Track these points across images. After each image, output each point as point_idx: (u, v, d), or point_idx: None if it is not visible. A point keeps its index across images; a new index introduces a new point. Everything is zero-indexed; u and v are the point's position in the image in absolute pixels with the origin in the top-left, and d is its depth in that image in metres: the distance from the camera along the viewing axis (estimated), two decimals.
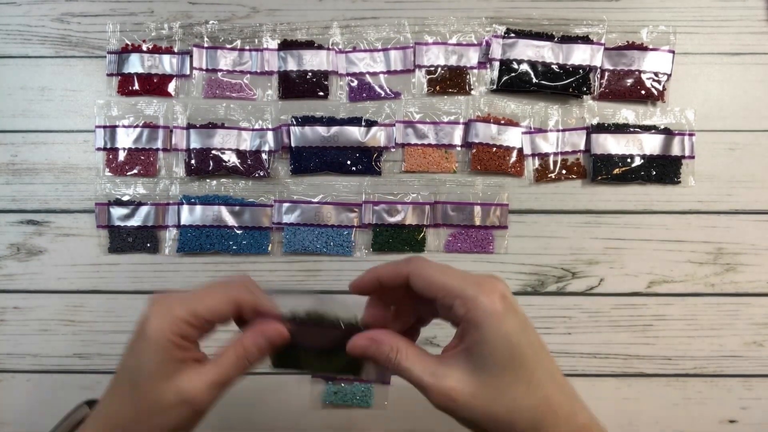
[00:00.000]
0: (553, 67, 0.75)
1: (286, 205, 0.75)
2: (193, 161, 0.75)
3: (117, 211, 0.75)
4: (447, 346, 0.39)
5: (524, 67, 0.75)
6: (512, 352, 0.35)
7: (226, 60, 0.77)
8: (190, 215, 0.74)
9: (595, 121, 0.76)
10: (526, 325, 0.36)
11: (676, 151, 0.75)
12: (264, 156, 0.75)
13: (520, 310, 0.37)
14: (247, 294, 0.41)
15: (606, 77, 0.76)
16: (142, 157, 0.76)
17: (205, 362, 0.40)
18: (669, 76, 0.76)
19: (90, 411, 0.46)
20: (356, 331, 0.42)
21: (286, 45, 0.77)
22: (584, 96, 0.76)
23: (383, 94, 0.76)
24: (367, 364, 0.43)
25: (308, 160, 0.75)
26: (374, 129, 0.75)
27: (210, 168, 0.75)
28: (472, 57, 0.76)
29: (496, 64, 0.75)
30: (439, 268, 0.38)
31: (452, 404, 0.36)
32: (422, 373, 0.38)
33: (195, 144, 0.75)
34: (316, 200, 0.75)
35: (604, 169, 0.74)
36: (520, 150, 0.75)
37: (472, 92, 0.76)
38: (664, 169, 0.75)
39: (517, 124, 0.76)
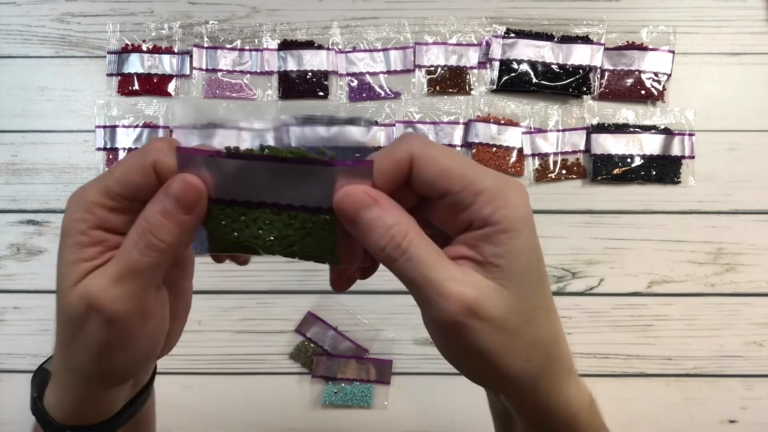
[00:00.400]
0: (553, 67, 0.75)
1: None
2: None
3: None
4: (445, 251, 0.28)
5: (524, 67, 0.75)
6: (540, 271, 0.28)
7: (226, 60, 0.77)
8: None
9: (595, 121, 0.76)
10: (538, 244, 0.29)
11: (676, 151, 0.75)
12: None
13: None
14: (166, 155, 0.28)
15: (606, 77, 0.76)
16: None
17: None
18: (669, 76, 0.76)
19: None
20: (336, 177, 0.27)
21: (286, 45, 0.77)
22: (584, 96, 0.76)
23: (383, 94, 0.76)
24: (344, 246, 0.29)
25: None
26: (374, 129, 0.75)
27: None
28: (472, 57, 0.76)
29: (496, 64, 0.75)
30: (451, 153, 0.28)
31: (471, 321, 0.26)
32: (438, 270, 0.26)
33: (195, 144, 0.75)
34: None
35: (604, 169, 0.74)
36: (520, 150, 0.75)
37: (472, 92, 0.76)
38: (664, 169, 0.75)
39: (517, 124, 0.76)
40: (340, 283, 0.33)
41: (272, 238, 0.29)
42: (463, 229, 0.28)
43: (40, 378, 0.35)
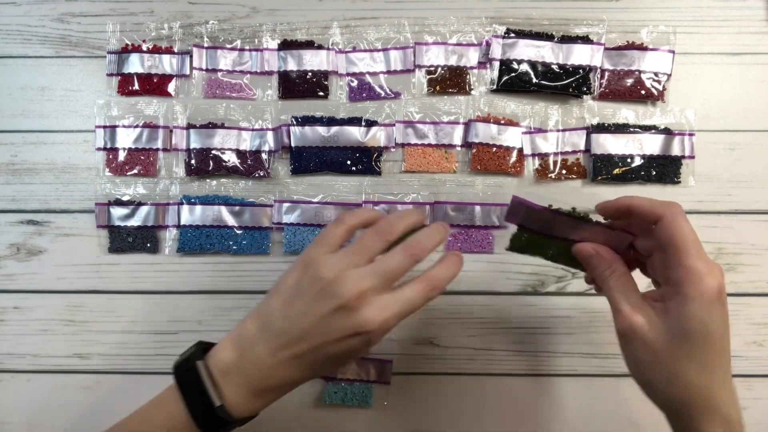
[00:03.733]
0: (553, 67, 0.75)
1: (286, 205, 0.75)
2: (193, 161, 0.75)
3: (117, 211, 0.75)
4: (648, 293, 0.44)
5: (524, 67, 0.75)
6: (702, 337, 0.39)
7: (226, 60, 0.77)
8: (190, 215, 0.74)
9: (595, 121, 0.76)
10: (725, 322, 0.39)
11: (676, 151, 0.75)
12: (264, 156, 0.75)
13: (726, 304, 0.40)
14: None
15: (606, 77, 0.76)
16: (142, 157, 0.76)
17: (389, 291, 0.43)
18: (669, 76, 0.76)
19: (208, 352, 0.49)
20: (589, 225, 0.48)
21: (286, 45, 0.77)
22: (584, 96, 0.76)
23: (383, 94, 0.76)
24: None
25: (308, 160, 0.75)
26: (374, 129, 0.75)
27: (210, 168, 0.75)
28: (472, 57, 0.76)
29: (496, 64, 0.75)
30: (690, 230, 0.41)
31: (630, 336, 0.41)
32: (623, 298, 0.43)
33: (195, 144, 0.75)
34: (316, 200, 0.75)
35: (604, 169, 0.74)
36: (520, 150, 0.75)
37: (472, 92, 0.76)
38: (664, 169, 0.75)
39: (517, 124, 0.76)
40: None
41: (552, 253, 0.51)
42: (666, 283, 0.43)
43: (199, 388, 0.46)
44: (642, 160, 0.75)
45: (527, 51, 0.75)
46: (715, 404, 0.39)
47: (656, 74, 0.75)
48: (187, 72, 0.77)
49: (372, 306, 0.41)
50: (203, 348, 0.48)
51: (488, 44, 0.76)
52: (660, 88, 0.75)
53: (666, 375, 0.40)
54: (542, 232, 0.50)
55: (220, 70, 0.77)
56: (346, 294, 0.41)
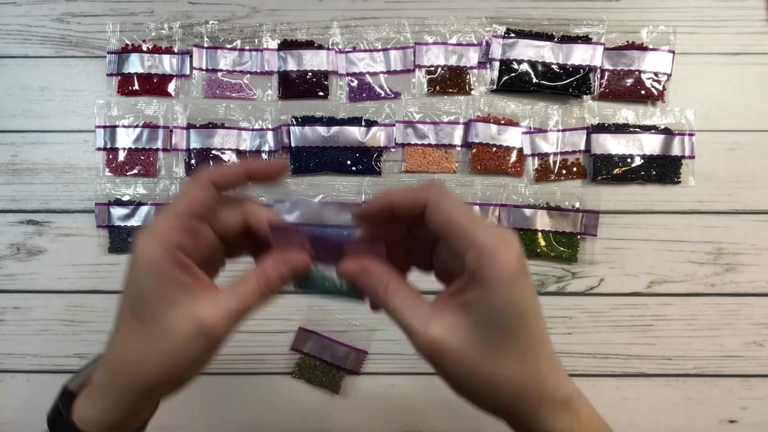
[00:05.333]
0: (553, 67, 0.75)
1: (286, 205, 0.75)
2: (193, 161, 0.75)
3: (117, 211, 0.75)
4: (442, 293, 0.35)
5: (524, 67, 0.75)
6: (517, 322, 0.32)
7: (226, 60, 0.77)
8: None
9: (595, 121, 0.76)
10: (533, 293, 0.33)
11: (676, 151, 0.75)
12: (264, 156, 0.75)
13: (528, 271, 0.33)
14: (211, 170, 0.36)
15: (606, 77, 0.76)
16: (142, 157, 0.76)
17: (219, 290, 0.36)
18: (669, 76, 0.76)
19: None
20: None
21: (286, 45, 0.77)
22: (584, 96, 0.76)
23: (383, 94, 0.76)
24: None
25: (308, 160, 0.75)
26: (374, 129, 0.75)
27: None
28: (472, 57, 0.76)
29: (496, 64, 0.75)
30: (460, 206, 0.33)
31: (437, 355, 0.33)
32: (410, 315, 0.34)
33: (195, 144, 0.75)
34: (316, 200, 0.75)
35: (604, 169, 0.74)
36: (520, 150, 0.75)
37: (472, 92, 0.76)
38: (664, 169, 0.75)
39: (517, 124, 0.76)
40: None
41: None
42: (461, 271, 0.33)
43: (66, 398, 0.38)
44: (642, 160, 0.74)
45: (527, 51, 0.75)
46: (550, 391, 0.34)
47: (656, 74, 0.75)
48: (187, 72, 0.77)
49: None
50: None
51: (488, 44, 0.76)
52: (660, 88, 0.75)
53: (490, 382, 0.33)
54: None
55: (220, 70, 0.77)
56: None
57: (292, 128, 0.75)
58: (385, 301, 0.35)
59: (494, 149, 0.75)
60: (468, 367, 0.33)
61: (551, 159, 0.75)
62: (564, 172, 0.75)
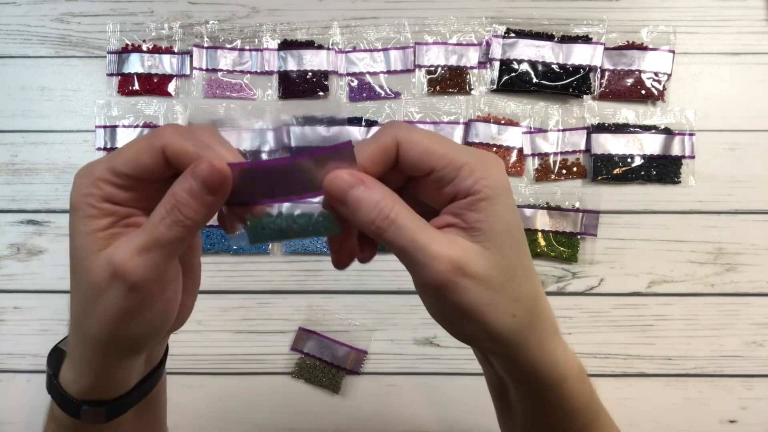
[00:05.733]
0: (554, 67, 0.75)
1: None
2: None
3: None
4: (433, 221, 0.31)
5: (524, 67, 0.75)
6: (519, 234, 0.31)
7: (226, 60, 0.77)
8: None
9: (595, 121, 0.76)
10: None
11: (676, 151, 0.75)
12: (264, 156, 0.75)
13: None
14: (176, 139, 0.30)
15: (606, 77, 0.76)
16: None
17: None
18: (669, 75, 0.76)
19: None
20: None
21: (286, 45, 0.77)
22: (584, 96, 0.76)
23: (383, 94, 0.76)
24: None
25: None
26: (374, 129, 0.75)
27: None
28: (472, 57, 0.76)
29: (496, 64, 0.75)
30: (429, 134, 0.31)
31: (461, 279, 0.29)
32: (426, 238, 0.29)
33: None
34: (316, 200, 0.75)
35: (604, 169, 0.74)
36: (521, 150, 0.75)
37: (472, 92, 0.76)
38: (664, 169, 0.75)
39: (517, 124, 0.76)
40: (342, 260, 0.34)
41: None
42: (448, 202, 0.31)
43: (56, 358, 0.37)
44: (642, 160, 0.74)
45: (527, 51, 0.75)
46: (551, 314, 0.33)
47: (656, 74, 0.75)
48: (187, 72, 0.77)
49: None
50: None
51: (488, 44, 0.76)
52: (660, 87, 0.75)
53: (513, 302, 0.31)
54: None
55: (220, 70, 0.77)
56: None
57: (292, 128, 0.75)
58: (394, 221, 0.29)
59: (494, 149, 0.75)
60: (493, 288, 0.30)
61: (551, 159, 0.75)
62: (564, 172, 0.75)
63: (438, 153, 0.30)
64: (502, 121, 0.75)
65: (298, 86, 0.76)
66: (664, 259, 0.75)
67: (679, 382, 0.74)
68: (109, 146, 0.75)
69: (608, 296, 0.75)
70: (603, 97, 0.76)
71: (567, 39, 0.75)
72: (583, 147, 0.76)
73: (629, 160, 0.74)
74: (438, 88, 0.76)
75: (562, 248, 0.74)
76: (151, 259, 0.29)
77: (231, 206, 0.32)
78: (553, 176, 0.75)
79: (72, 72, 0.77)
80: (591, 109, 0.76)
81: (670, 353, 0.74)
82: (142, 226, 0.30)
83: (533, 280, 0.32)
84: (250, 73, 0.77)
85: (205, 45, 0.77)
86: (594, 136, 0.75)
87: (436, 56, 0.76)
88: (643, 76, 0.75)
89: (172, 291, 0.33)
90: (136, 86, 0.76)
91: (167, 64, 0.77)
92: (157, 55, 0.77)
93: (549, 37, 0.75)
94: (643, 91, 0.75)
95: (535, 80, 0.75)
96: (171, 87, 0.77)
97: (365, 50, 0.77)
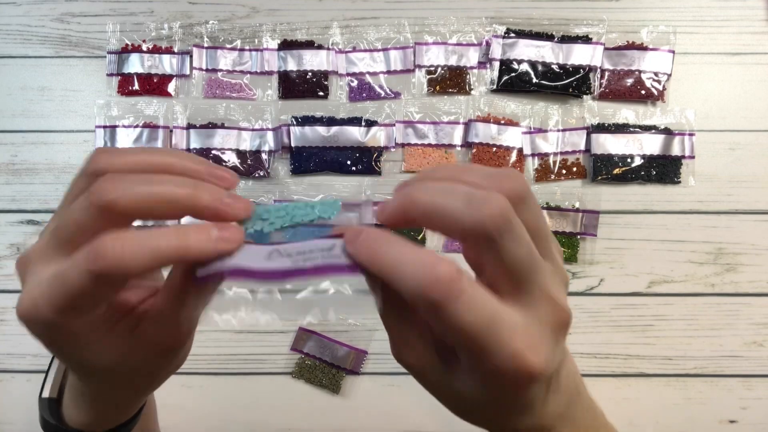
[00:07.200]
0: (553, 67, 0.75)
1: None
2: None
3: None
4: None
5: (524, 67, 0.75)
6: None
7: (226, 60, 0.77)
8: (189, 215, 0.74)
9: (595, 121, 0.76)
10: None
11: (676, 151, 0.75)
12: (264, 156, 0.75)
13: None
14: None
15: (606, 77, 0.76)
16: None
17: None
18: (669, 76, 0.76)
19: None
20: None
21: (286, 45, 0.77)
22: (584, 96, 0.76)
23: (383, 94, 0.76)
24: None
25: (308, 160, 0.75)
26: (374, 129, 0.75)
27: None
28: (472, 57, 0.76)
29: (496, 64, 0.75)
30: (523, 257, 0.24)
31: (538, 379, 0.24)
32: (502, 317, 0.23)
33: (195, 144, 0.75)
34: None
35: (604, 169, 0.74)
36: (520, 150, 0.75)
37: (472, 92, 0.76)
38: (664, 169, 0.75)
39: (517, 124, 0.76)
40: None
41: None
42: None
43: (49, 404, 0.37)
44: (642, 160, 0.75)
45: (527, 51, 0.75)
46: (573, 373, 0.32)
47: (656, 74, 0.75)
48: (187, 72, 0.77)
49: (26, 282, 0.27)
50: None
51: (488, 44, 0.76)
52: (660, 88, 0.75)
53: (562, 395, 0.28)
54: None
55: (220, 70, 0.77)
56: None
57: (292, 128, 0.75)
58: (463, 291, 0.22)
59: (494, 149, 0.75)
60: (550, 384, 0.27)
61: (551, 159, 0.75)
62: (564, 172, 0.75)
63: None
64: (502, 121, 0.75)
65: (298, 86, 0.76)
66: (664, 259, 0.75)
67: (679, 382, 0.74)
68: (108, 146, 0.75)
69: (608, 296, 0.75)
70: (603, 97, 0.76)
71: (567, 39, 0.75)
72: (582, 147, 0.76)
73: (629, 160, 0.74)
74: (438, 88, 0.76)
75: (561, 248, 0.74)
76: (49, 303, 0.26)
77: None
78: (552, 176, 0.75)
79: (72, 72, 0.77)
80: (591, 109, 0.76)
81: (670, 353, 0.74)
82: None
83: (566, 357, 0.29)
84: (250, 73, 0.77)
85: (205, 45, 0.77)
86: (594, 136, 0.75)
87: (436, 56, 0.76)
88: (643, 76, 0.75)
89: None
90: (136, 86, 0.76)
91: (167, 64, 0.77)
92: (157, 55, 0.77)
93: (549, 37, 0.75)
94: (643, 91, 0.75)
95: (535, 80, 0.75)
96: (171, 87, 0.77)
97: (365, 50, 0.77)
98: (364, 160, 0.75)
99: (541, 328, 0.25)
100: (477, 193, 0.23)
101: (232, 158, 0.75)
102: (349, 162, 0.75)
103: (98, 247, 0.23)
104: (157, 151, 0.26)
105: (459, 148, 0.76)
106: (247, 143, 0.75)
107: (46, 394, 0.37)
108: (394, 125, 0.76)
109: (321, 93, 0.76)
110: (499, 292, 0.24)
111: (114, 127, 0.76)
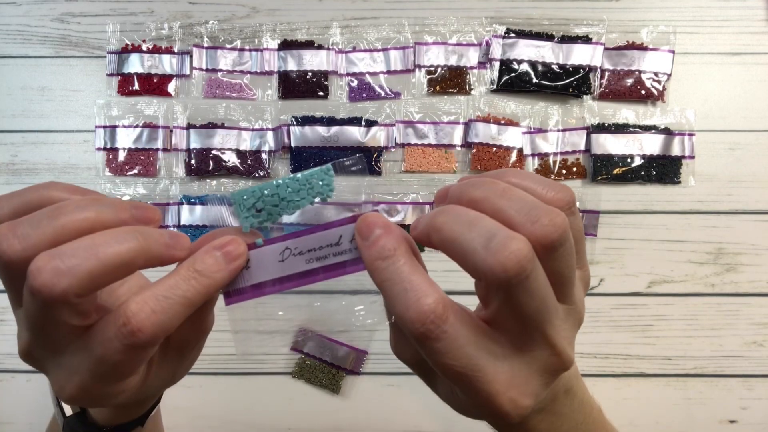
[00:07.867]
0: (553, 67, 0.75)
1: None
2: (193, 161, 0.75)
3: None
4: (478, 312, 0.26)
5: (524, 67, 0.75)
6: None
7: (226, 60, 0.77)
8: (190, 215, 0.74)
9: (595, 121, 0.76)
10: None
11: (676, 151, 0.75)
12: (264, 156, 0.75)
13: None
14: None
15: (606, 77, 0.76)
16: (142, 157, 0.76)
17: None
18: (669, 76, 0.76)
19: None
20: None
21: (286, 45, 0.77)
22: (584, 96, 0.76)
23: (383, 94, 0.76)
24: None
25: (308, 160, 0.75)
26: (374, 129, 0.75)
27: (210, 168, 0.75)
28: (472, 57, 0.76)
29: (496, 64, 0.75)
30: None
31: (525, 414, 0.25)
32: (487, 363, 0.23)
33: (195, 144, 0.75)
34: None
35: (604, 169, 0.74)
36: (520, 150, 0.75)
37: (472, 92, 0.76)
38: (664, 169, 0.75)
39: (517, 124, 0.76)
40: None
41: None
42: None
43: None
44: (642, 160, 0.74)
45: (527, 51, 0.75)
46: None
47: (656, 74, 0.75)
48: (187, 72, 0.77)
49: None
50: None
51: (488, 44, 0.76)
52: (660, 88, 0.75)
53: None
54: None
55: (220, 70, 0.77)
56: None
57: (292, 128, 0.75)
58: (446, 332, 0.23)
59: (494, 149, 0.75)
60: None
61: (551, 159, 0.75)
62: (564, 172, 0.75)
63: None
64: (502, 121, 0.75)
65: (298, 86, 0.76)
66: (664, 259, 0.75)
67: (679, 382, 0.74)
68: (108, 146, 0.75)
69: (608, 296, 0.75)
70: (603, 97, 0.76)
71: (567, 39, 0.75)
72: (582, 147, 0.76)
73: (629, 160, 0.74)
74: (438, 88, 0.76)
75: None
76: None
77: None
78: (552, 176, 0.75)
79: (72, 72, 0.77)
80: (591, 109, 0.76)
81: (670, 353, 0.74)
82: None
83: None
84: (250, 73, 0.77)
85: (205, 45, 0.77)
86: (594, 136, 0.75)
87: (436, 56, 0.76)
88: (643, 77, 0.75)
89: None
90: (136, 86, 0.76)
91: (167, 64, 0.77)
92: (157, 55, 0.77)
93: (549, 37, 0.75)
94: (643, 92, 0.75)
95: (535, 80, 0.75)
96: (171, 87, 0.77)
97: (365, 50, 0.77)
98: (364, 160, 0.75)
99: (530, 372, 0.25)
100: (499, 234, 0.22)
101: (232, 158, 0.75)
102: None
103: (130, 319, 0.23)
104: (72, 210, 0.24)
105: (459, 148, 0.76)
106: (247, 143, 0.75)
107: (69, 411, 0.39)
108: (394, 125, 0.76)
109: (321, 93, 0.76)
110: (498, 329, 0.24)
111: (114, 127, 0.76)
